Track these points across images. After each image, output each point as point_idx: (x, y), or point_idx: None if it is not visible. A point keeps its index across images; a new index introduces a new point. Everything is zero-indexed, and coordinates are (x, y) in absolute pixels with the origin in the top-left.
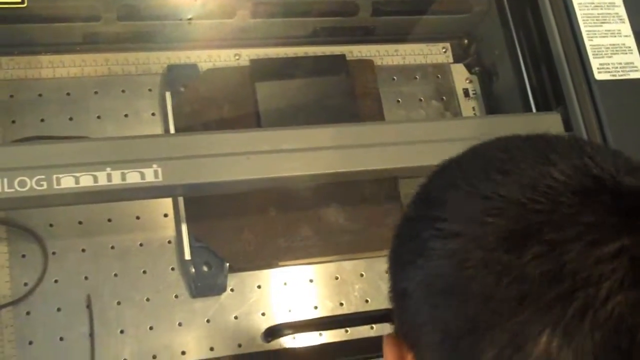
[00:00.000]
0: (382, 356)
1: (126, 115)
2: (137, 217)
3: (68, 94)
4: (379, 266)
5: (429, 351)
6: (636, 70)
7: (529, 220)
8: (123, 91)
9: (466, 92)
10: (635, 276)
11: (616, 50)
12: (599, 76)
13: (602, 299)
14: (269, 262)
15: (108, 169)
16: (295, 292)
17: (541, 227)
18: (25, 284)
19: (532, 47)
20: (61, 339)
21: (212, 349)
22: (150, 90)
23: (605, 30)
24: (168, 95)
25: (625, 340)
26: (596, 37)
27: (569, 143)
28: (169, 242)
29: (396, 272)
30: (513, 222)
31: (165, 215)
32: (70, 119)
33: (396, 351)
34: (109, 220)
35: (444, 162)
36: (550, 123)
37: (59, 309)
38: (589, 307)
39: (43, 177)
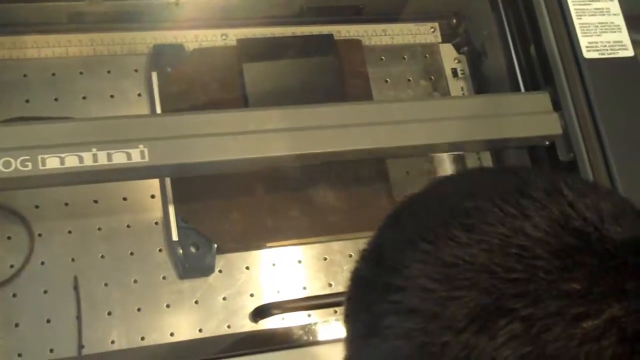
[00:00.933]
0: None
1: (112, 96)
2: (124, 199)
3: (53, 74)
4: None
5: None
6: (625, 49)
7: (501, 293)
8: (109, 72)
9: (455, 72)
10: (624, 356)
11: (605, 29)
12: (587, 55)
13: None
14: (257, 242)
15: (94, 149)
16: (283, 273)
17: (516, 300)
18: (11, 266)
19: (521, 26)
20: (48, 321)
21: (200, 330)
22: (136, 70)
23: (594, 9)
24: (154, 75)
25: None
26: (585, 15)
27: (544, 185)
28: (156, 223)
29: (349, 340)
30: (482, 296)
31: (152, 197)
32: (56, 99)
33: None
34: (96, 201)
35: (401, 203)
36: (539, 102)
37: (45, 291)
38: None
39: (28, 157)
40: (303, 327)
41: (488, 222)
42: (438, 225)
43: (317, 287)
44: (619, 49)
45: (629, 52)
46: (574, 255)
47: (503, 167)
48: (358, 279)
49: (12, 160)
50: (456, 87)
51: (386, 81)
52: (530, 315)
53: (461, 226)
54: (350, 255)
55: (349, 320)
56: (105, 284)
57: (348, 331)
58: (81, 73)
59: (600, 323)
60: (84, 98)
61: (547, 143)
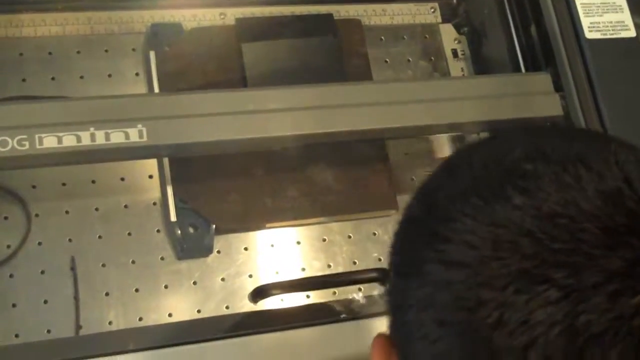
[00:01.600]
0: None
1: (110, 75)
2: (122, 179)
3: (50, 53)
4: (366, 228)
5: None
6: (627, 29)
7: (545, 260)
8: (106, 51)
9: (455, 53)
10: None
11: (607, 9)
12: (589, 35)
13: None
14: (256, 223)
15: (92, 129)
16: (282, 253)
17: (556, 269)
18: (8, 247)
19: (522, 6)
20: (45, 302)
21: (199, 310)
22: (133, 49)
23: None
24: (152, 54)
25: None
26: None
27: (604, 155)
28: (154, 203)
29: (394, 276)
30: (524, 260)
31: (150, 177)
32: (53, 78)
33: (384, 356)
34: (93, 181)
35: (459, 152)
36: (539, 83)
37: (42, 272)
38: None
39: (25, 137)
40: (303, 308)
41: (543, 189)
42: (493, 183)
43: (316, 268)
44: (621, 30)
45: (631, 33)
46: (621, 235)
47: (563, 128)
48: (410, 218)
49: (9, 140)
50: (456, 67)
51: (386, 61)
52: (568, 285)
53: (516, 188)
54: (350, 237)
55: (395, 254)
56: (103, 265)
57: (393, 266)
58: (78, 52)
59: (635, 302)
60: (81, 77)
61: (548, 124)
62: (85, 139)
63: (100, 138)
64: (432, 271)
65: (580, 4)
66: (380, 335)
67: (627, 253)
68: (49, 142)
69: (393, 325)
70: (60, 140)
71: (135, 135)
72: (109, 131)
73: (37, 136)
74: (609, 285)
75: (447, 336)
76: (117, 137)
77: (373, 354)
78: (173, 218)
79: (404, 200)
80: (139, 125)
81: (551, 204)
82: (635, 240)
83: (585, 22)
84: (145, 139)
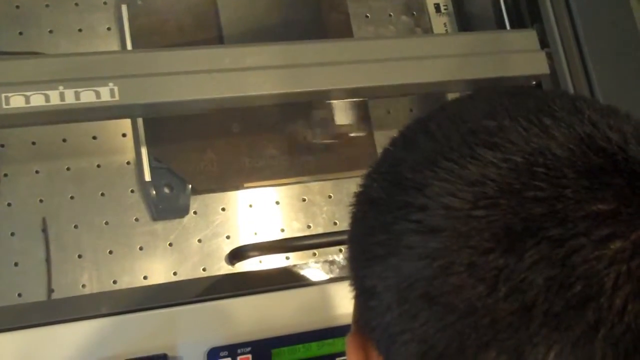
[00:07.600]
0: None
1: (80, 30)
2: (94, 137)
3: (17, 7)
4: (347, 187)
5: None
6: None
7: (528, 212)
8: (76, 4)
9: (437, 7)
10: None
11: None
12: None
13: (618, 309)
14: (234, 183)
15: (61, 88)
16: (261, 214)
17: (543, 220)
18: None
19: None
20: (16, 264)
21: (175, 273)
22: (105, 3)
23: None
24: (124, 8)
25: None
26: None
27: (565, 105)
28: (128, 163)
29: (360, 264)
30: (509, 216)
31: (124, 135)
32: (20, 33)
33: (362, 356)
34: (64, 140)
35: (412, 125)
36: (525, 40)
37: (12, 234)
38: (604, 320)
39: None
40: (281, 270)
41: (512, 141)
42: (460, 144)
43: (295, 229)
44: None
45: None
46: (601, 176)
47: (516, 87)
48: (369, 200)
49: None
50: (439, 23)
51: (366, 16)
52: (558, 235)
53: (485, 145)
54: (330, 196)
55: (357, 242)
56: (75, 226)
57: (361, 253)
58: (47, 6)
59: (629, 244)
60: (50, 32)
61: (534, 83)
62: (55, 99)
63: (69, 97)
64: (413, 244)
65: None
66: (351, 335)
67: (610, 194)
68: (16, 101)
69: (366, 317)
70: (28, 100)
71: (106, 94)
72: (79, 90)
73: (3, 95)
74: (599, 231)
75: (438, 312)
76: (87, 97)
77: (349, 355)
78: (148, 178)
79: None
80: (111, 84)
81: (525, 155)
82: (615, 179)
83: None
84: (117, 98)
